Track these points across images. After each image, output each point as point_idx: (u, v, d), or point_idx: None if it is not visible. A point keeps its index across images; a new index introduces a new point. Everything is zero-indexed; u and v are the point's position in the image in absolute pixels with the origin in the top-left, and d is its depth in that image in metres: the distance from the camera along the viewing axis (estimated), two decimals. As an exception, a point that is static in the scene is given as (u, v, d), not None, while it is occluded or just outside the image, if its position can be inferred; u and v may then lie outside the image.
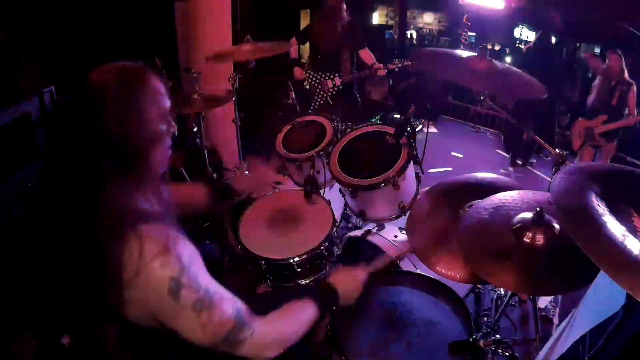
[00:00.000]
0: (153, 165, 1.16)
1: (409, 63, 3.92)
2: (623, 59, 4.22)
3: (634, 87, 4.24)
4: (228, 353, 1.14)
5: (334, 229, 2.12)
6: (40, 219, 1.18)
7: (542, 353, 1.63)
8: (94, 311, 1.15)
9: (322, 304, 1.36)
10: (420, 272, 1.95)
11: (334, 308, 1.41)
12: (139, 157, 1.10)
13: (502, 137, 5.89)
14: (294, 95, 2.89)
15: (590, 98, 4.53)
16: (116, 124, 1.05)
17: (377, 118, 5.58)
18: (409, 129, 2.11)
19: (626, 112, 4.27)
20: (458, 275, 1.61)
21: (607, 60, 4.32)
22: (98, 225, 1.04)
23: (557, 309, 2.54)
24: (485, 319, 2.27)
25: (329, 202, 2.26)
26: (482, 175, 2.06)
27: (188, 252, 1.08)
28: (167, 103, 1.18)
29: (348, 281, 1.49)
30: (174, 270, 1.03)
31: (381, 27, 8.35)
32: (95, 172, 1.06)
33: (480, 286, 2.34)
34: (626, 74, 4.25)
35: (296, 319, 1.30)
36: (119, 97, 1.06)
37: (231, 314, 1.12)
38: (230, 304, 1.13)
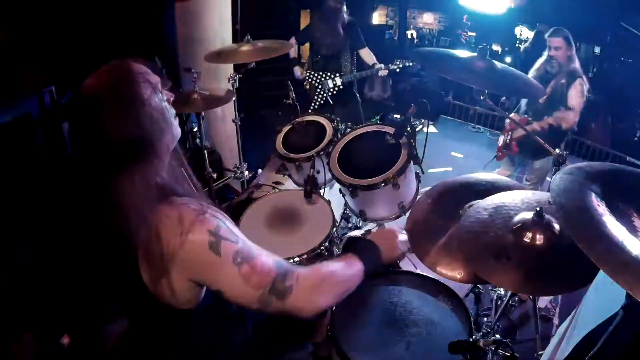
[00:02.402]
0: (164, 145, 1.18)
1: (410, 63, 3.92)
2: (572, 43, 3.21)
3: (581, 82, 3.16)
4: (280, 312, 1.14)
5: (334, 229, 2.12)
6: (61, 218, 1.20)
7: (545, 355, 1.63)
8: (124, 300, 1.18)
9: (367, 260, 1.37)
10: (420, 272, 1.95)
11: (378, 265, 1.44)
12: (149, 145, 1.12)
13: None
14: (294, 95, 2.89)
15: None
16: (117, 124, 1.08)
17: (377, 118, 5.59)
18: (409, 129, 2.11)
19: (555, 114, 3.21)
20: (458, 275, 1.61)
21: (547, 44, 3.28)
22: (126, 212, 1.06)
23: (557, 309, 2.54)
24: (485, 319, 2.27)
25: (329, 202, 2.26)
26: (482, 175, 2.06)
27: (220, 212, 1.14)
28: (161, 86, 1.20)
29: (387, 237, 1.54)
30: (212, 226, 1.08)
31: (381, 27, 8.36)
32: (108, 168, 1.09)
33: (480, 286, 2.34)
34: (576, 64, 3.22)
35: (342, 267, 1.30)
36: (113, 97, 1.08)
37: (272, 263, 1.15)
38: (269, 255, 1.17)
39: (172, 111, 1.25)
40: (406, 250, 2.04)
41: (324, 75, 4.04)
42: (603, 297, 1.32)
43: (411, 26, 8.42)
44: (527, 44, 5.46)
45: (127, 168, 1.09)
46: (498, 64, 2.04)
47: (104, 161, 1.09)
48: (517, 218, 1.50)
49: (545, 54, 3.29)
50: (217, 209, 1.15)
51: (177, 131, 1.26)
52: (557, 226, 1.43)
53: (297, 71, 4.11)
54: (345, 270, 1.30)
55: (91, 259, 1.15)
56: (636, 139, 5.35)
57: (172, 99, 1.25)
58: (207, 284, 1.13)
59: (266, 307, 1.13)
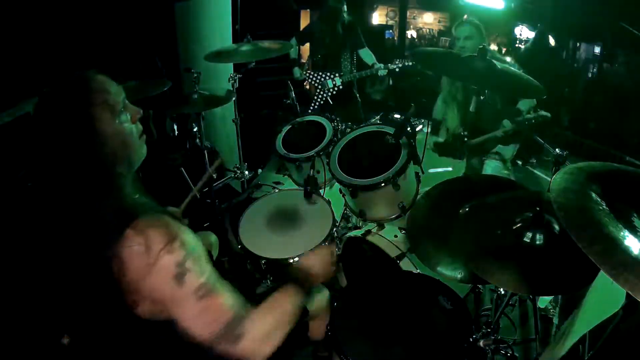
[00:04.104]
0: (124, 170, 1.14)
1: (410, 63, 3.92)
2: (483, 32, 2.96)
3: None
4: (227, 354, 1.12)
5: (334, 229, 2.12)
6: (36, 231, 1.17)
7: (545, 355, 1.62)
8: (108, 317, 1.15)
9: (301, 286, 1.33)
10: (420, 272, 1.95)
11: (311, 287, 1.40)
12: (105, 175, 1.08)
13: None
14: (294, 95, 2.89)
15: None
16: (66, 157, 1.04)
17: (377, 118, 5.58)
18: (409, 129, 2.11)
19: None
20: (458, 275, 1.61)
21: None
22: (91, 235, 1.03)
23: (557, 309, 2.53)
24: (485, 319, 2.27)
25: (329, 202, 2.26)
26: (482, 175, 2.06)
27: (191, 238, 1.10)
28: (117, 97, 1.12)
29: (315, 260, 1.48)
30: (180, 255, 1.04)
31: (381, 27, 8.36)
32: (68, 187, 1.05)
33: (480, 286, 2.34)
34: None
35: (290, 306, 1.27)
36: (62, 127, 1.03)
37: (231, 304, 1.12)
38: (230, 296, 1.14)
39: (138, 129, 1.18)
40: (406, 251, 2.05)
41: (323, 75, 4.04)
42: (603, 297, 1.31)
43: (411, 26, 8.41)
44: (528, 44, 5.45)
45: (83, 201, 1.05)
46: (498, 64, 2.05)
47: (56, 196, 1.05)
48: (517, 218, 1.50)
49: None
50: (187, 230, 1.11)
51: (142, 152, 1.20)
52: (557, 226, 1.43)
53: (297, 72, 4.11)
54: (293, 308, 1.27)
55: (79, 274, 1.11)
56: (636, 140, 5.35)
57: (138, 116, 1.18)
58: (164, 312, 1.08)
59: (217, 346, 1.09)
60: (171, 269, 1.03)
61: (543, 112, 2.51)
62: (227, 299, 1.12)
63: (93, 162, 1.06)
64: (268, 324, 1.19)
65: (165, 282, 1.03)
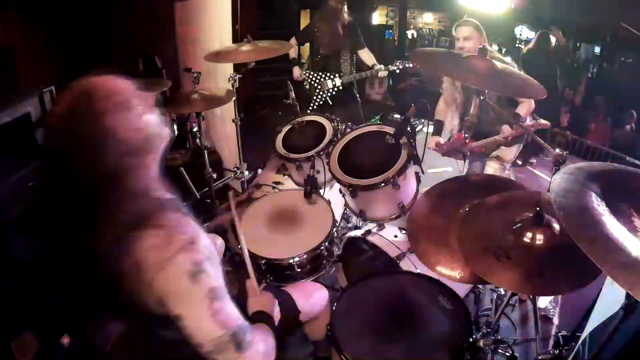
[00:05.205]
0: (150, 164, 1.13)
1: (410, 64, 3.92)
2: (483, 32, 2.87)
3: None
4: None
5: (334, 229, 2.12)
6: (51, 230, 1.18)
7: None
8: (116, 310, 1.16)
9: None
10: (420, 272, 1.95)
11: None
12: (129, 175, 1.07)
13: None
14: (294, 95, 2.89)
15: None
16: (85, 162, 1.03)
17: (377, 118, 5.58)
18: (409, 129, 2.11)
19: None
20: (458, 275, 1.61)
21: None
22: (110, 229, 1.03)
23: (557, 309, 2.54)
24: (485, 319, 2.27)
25: (329, 202, 2.26)
26: (482, 175, 2.06)
27: (208, 245, 1.09)
28: (127, 92, 1.10)
29: (265, 306, 1.42)
30: (198, 256, 1.04)
31: (381, 27, 8.36)
32: (83, 207, 1.06)
33: (480, 286, 2.34)
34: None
35: (271, 342, 1.27)
36: (76, 133, 1.02)
37: (239, 316, 1.13)
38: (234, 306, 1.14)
39: (156, 112, 1.15)
40: (406, 251, 2.05)
41: (323, 76, 4.04)
42: (603, 297, 1.32)
43: (411, 26, 8.42)
44: (530, 45, 5.43)
45: (106, 200, 1.05)
46: (498, 64, 2.04)
47: (76, 201, 1.04)
48: (517, 218, 1.50)
49: None
50: (208, 236, 1.11)
51: (166, 134, 1.17)
52: (557, 226, 1.43)
53: (296, 72, 4.11)
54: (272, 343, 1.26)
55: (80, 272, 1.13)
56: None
57: (154, 100, 1.15)
58: (168, 310, 1.06)
59: (219, 353, 1.07)
60: (187, 265, 1.03)
61: (542, 121, 2.51)
62: (234, 307, 1.12)
63: (114, 165, 1.05)
64: (267, 343, 1.20)
65: (180, 278, 1.02)
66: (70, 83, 1.08)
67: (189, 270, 1.03)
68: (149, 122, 1.11)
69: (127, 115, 1.06)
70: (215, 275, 1.08)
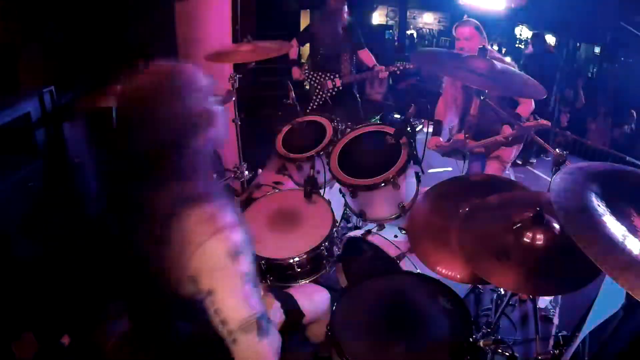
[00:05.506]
0: (210, 137, 1.21)
1: (411, 66, 3.92)
2: (483, 33, 2.88)
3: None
4: (246, 349, 1.13)
5: (334, 229, 2.12)
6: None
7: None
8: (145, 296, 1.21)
9: None
10: (420, 272, 1.95)
11: None
12: (185, 149, 1.15)
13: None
14: (294, 95, 2.89)
15: None
16: (157, 126, 1.12)
17: (377, 118, 5.58)
18: (409, 129, 2.11)
19: None
20: (458, 275, 1.61)
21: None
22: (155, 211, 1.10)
23: (557, 309, 2.53)
24: (485, 319, 2.27)
25: (329, 202, 2.26)
26: (482, 175, 2.06)
27: (245, 236, 1.17)
28: (203, 82, 1.21)
29: None
30: (239, 239, 1.12)
31: (381, 27, 8.36)
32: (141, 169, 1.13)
33: (480, 286, 2.34)
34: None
35: None
36: (154, 103, 1.12)
37: (264, 305, 1.18)
38: None
39: (225, 112, 1.27)
40: (406, 251, 2.04)
41: (323, 76, 4.04)
42: (603, 297, 1.32)
43: (411, 26, 8.42)
44: (531, 48, 5.43)
45: (163, 169, 1.12)
46: (498, 64, 2.04)
47: (137, 165, 1.12)
48: (517, 218, 1.50)
49: None
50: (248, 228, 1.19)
51: (224, 133, 1.27)
52: (557, 226, 1.43)
53: (295, 73, 4.11)
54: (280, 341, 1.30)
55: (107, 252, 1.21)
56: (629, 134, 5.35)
57: (225, 101, 1.28)
58: (200, 286, 1.11)
59: (242, 333, 1.11)
60: (229, 245, 1.10)
61: (543, 121, 2.52)
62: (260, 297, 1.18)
63: (180, 138, 1.13)
64: (279, 340, 1.23)
65: (220, 255, 1.09)
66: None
67: (229, 249, 1.09)
68: (217, 111, 1.23)
69: (196, 99, 1.17)
70: (250, 261, 1.15)
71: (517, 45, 7.20)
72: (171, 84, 1.15)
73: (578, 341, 1.43)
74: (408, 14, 8.25)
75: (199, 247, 1.08)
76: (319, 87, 4.07)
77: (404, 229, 2.31)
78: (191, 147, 1.16)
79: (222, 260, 1.09)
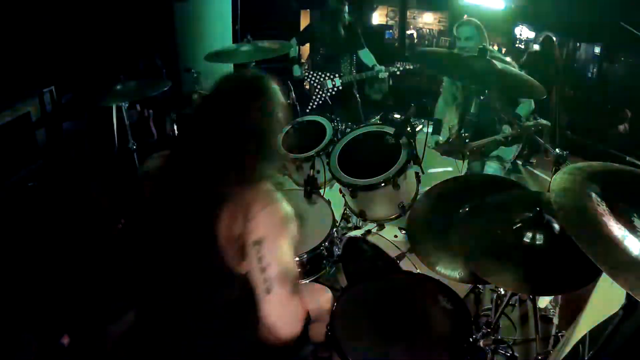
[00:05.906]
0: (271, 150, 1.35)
1: (410, 66, 3.92)
2: (483, 33, 2.91)
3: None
4: (280, 303, 1.21)
5: (334, 229, 2.12)
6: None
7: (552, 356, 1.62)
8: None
9: None
10: (420, 272, 1.95)
11: None
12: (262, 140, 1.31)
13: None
14: (294, 95, 2.89)
15: None
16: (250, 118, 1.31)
17: (377, 118, 5.58)
18: (409, 129, 2.11)
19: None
20: (458, 275, 1.61)
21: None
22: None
23: (557, 309, 2.53)
24: (485, 319, 2.27)
25: (329, 202, 2.26)
26: (482, 175, 2.06)
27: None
28: (281, 103, 1.42)
29: None
30: (289, 211, 1.27)
31: (381, 27, 8.35)
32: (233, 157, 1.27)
33: (480, 286, 2.34)
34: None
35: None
36: (261, 100, 1.35)
37: None
38: None
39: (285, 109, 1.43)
40: (406, 251, 2.04)
41: (323, 76, 4.04)
42: (603, 298, 1.32)
43: (411, 26, 8.41)
44: (533, 49, 5.41)
45: (242, 162, 1.26)
46: (498, 64, 2.05)
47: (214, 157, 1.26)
48: (517, 218, 1.50)
49: None
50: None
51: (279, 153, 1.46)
52: (557, 226, 1.43)
53: (297, 69, 4.10)
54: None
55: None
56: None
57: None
58: (253, 234, 1.20)
59: (280, 280, 1.20)
60: (284, 213, 1.24)
61: (543, 121, 2.52)
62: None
63: (252, 143, 1.29)
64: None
65: (276, 215, 1.23)
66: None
67: (284, 215, 1.24)
68: (280, 116, 1.39)
69: (272, 113, 1.36)
70: (292, 235, 1.27)
71: (517, 45, 7.19)
72: (250, 101, 1.35)
73: (574, 341, 1.43)
74: (408, 14, 8.24)
75: (258, 212, 1.20)
76: (319, 86, 4.07)
77: (404, 229, 2.31)
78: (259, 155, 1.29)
79: (276, 219, 1.23)
